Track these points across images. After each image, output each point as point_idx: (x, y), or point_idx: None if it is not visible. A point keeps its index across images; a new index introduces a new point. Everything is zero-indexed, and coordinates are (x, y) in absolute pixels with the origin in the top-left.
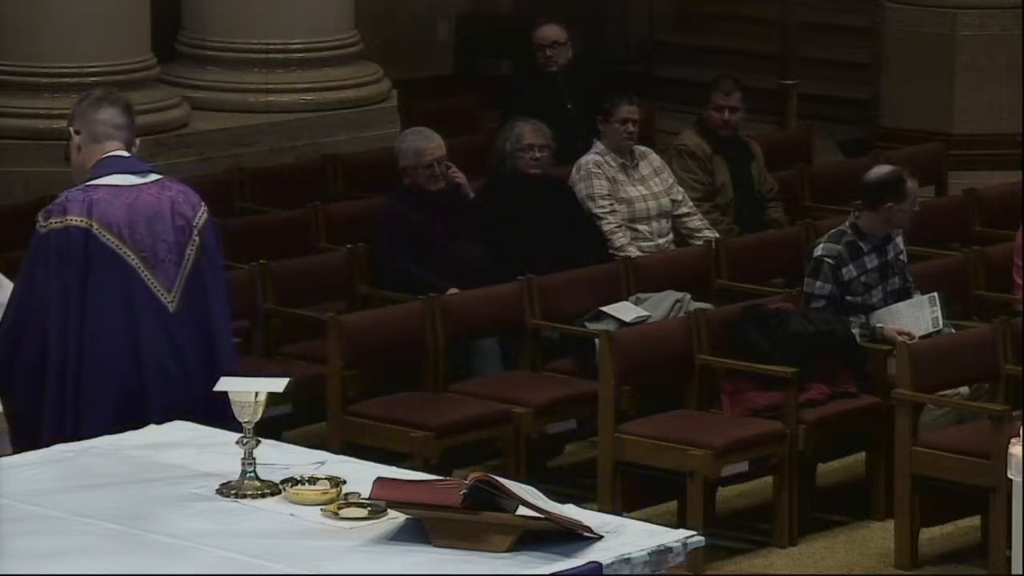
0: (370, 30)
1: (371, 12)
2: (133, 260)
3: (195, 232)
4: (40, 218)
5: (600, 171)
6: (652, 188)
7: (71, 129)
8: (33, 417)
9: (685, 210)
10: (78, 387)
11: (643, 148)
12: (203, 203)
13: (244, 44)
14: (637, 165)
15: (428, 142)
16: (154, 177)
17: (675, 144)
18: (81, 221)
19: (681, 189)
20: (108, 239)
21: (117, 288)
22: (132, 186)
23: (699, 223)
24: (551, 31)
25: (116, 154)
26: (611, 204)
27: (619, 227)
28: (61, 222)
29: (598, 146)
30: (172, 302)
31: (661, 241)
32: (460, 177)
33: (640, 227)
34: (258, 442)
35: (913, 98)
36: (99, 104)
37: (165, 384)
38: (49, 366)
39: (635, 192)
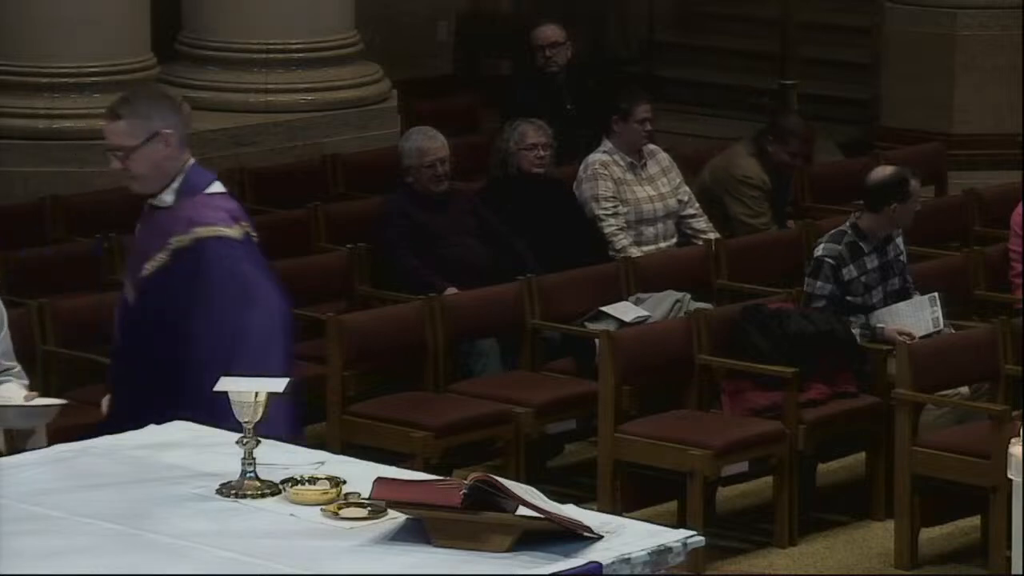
0: (370, 30)
1: (371, 12)
2: None
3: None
4: (221, 227)
5: (606, 172)
6: (660, 188)
7: (161, 128)
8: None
9: (691, 211)
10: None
11: (652, 147)
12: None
13: (244, 44)
14: (645, 164)
15: (431, 142)
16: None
17: (736, 175)
18: (244, 225)
19: (688, 189)
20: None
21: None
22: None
23: (704, 225)
24: (551, 31)
25: (196, 165)
26: (614, 206)
27: (620, 229)
28: (242, 229)
29: (607, 145)
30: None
31: (664, 245)
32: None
33: (646, 230)
34: (258, 442)
35: (913, 98)
36: (175, 106)
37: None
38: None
39: (642, 193)
